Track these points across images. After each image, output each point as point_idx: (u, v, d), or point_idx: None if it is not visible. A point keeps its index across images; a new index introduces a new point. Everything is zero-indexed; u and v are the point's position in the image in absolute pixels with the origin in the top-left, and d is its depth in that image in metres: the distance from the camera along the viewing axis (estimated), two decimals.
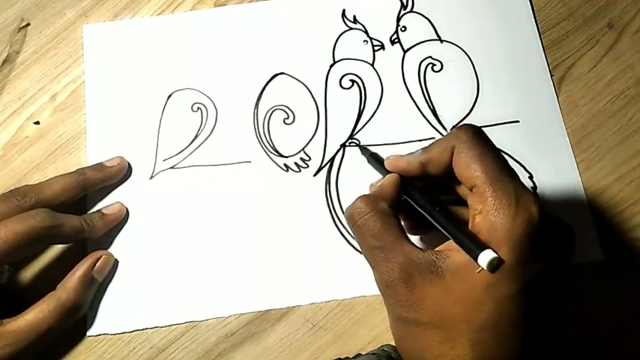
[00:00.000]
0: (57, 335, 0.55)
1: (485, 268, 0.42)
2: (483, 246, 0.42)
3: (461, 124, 0.48)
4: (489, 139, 0.48)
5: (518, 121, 0.64)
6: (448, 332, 0.43)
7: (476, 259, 0.42)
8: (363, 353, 0.56)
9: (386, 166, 0.53)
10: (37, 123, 0.66)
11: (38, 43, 0.69)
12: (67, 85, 0.67)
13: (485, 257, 0.42)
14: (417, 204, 0.50)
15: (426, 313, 0.44)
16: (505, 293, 0.42)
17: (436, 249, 0.47)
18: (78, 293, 0.56)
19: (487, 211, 0.44)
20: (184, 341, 0.58)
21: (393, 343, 0.55)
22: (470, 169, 0.46)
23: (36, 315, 0.53)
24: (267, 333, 0.58)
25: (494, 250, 0.42)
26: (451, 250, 0.45)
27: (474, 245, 0.43)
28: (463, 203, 0.49)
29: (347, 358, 0.56)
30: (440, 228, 0.47)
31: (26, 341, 0.52)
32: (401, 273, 0.45)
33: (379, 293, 0.58)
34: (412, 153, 0.51)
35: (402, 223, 0.49)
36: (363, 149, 0.61)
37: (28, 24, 0.69)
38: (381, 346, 0.56)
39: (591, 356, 0.58)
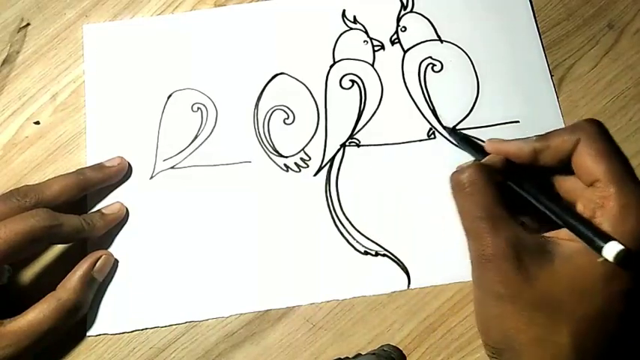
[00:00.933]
0: (57, 335, 0.55)
1: (611, 260, 0.42)
2: (608, 237, 0.42)
3: (585, 117, 0.49)
4: (613, 138, 0.48)
5: (518, 121, 0.64)
6: (550, 317, 0.43)
7: (599, 250, 0.42)
8: (363, 353, 0.56)
9: (487, 148, 0.53)
10: (37, 123, 0.66)
11: (38, 43, 0.69)
12: (67, 85, 0.67)
13: (612, 249, 0.41)
14: (526, 190, 0.49)
15: (529, 293, 0.44)
16: (619, 289, 0.43)
17: (543, 235, 0.47)
18: (78, 293, 0.56)
19: (611, 207, 0.44)
20: (184, 341, 0.58)
21: (393, 343, 0.56)
22: (596, 162, 0.46)
23: (36, 315, 0.53)
24: (267, 333, 0.58)
25: (621, 243, 0.42)
26: (561, 239, 0.45)
27: (597, 236, 0.43)
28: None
29: (347, 358, 0.56)
30: (553, 216, 0.47)
31: (27, 341, 0.52)
32: (508, 249, 0.45)
33: (379, 293, 0.58)
34: (523, 139, 0.51)
35: None
36: (453, 131, 0.61)
37: (28, 24, 0.69)
38: (381, 346, 0.57)
39: None
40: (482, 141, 0.59)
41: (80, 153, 0.64)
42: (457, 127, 0.64)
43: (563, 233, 0.46)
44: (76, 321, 0.57)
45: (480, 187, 0.47)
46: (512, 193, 0.50)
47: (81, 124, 0.65)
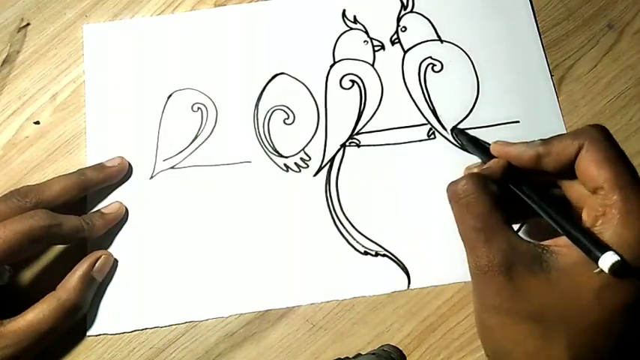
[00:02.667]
0: (57, 335, 0.55)
1: (606, 270, 0.40)
2: (606, 247, 0.41)
3: (591, 123, 0.49)
4: (618, 144, 0.47)
5: (518, 122, 0.64)
6: (546, 329, 0.43)
7: (596, 260, 0.41)
8: (363, 353, 0.56)
9: (492, 151, 0.52)
10: (37, 123, 0.66)
11: (38, 43, 0.69)
12: (67, 85, 0.67)
13: (608, 260, 0.40)
14: (527, 195, 0.49)
15: (524, 305, 0.43)
16: (617, 302, 0.41)
17: (541, 243, 0.46)
18: (78, 293, 0.56)
19: (613, 215, 0.43)
20: (184, 341, 0.58)
21: (393, 343, 0.58)
22: (599, 169, 0.44)
23: (36, 315, 0.53)
24: (267, 333, 0.58)
25: (618, 254, 0.40)
26: (558, 247, 0.44)
27: (595, 246, 0.41)
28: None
29: (347, 358, 0.56)
30: (553, 223, 0.46)
31: (27, 342, 0.52)
32: (502, 259, 0.44)
33: (379, 293, 0.58)
34: (527, 142, 0.50)
35: None
36: (460, 132, 0.62)
37: (28, 24, 0.70)
38: (381, 346, 0.57)
39: None
40: (488, 143, 0.58)
41: (80, 153, 0.65)
42: (457, 127, 0.64)
43: (562, 241, 0.44)
44: (76, 321, 0.57)
45: (475, 198, 0.46)
46: (515, 197, 0.50)
47: (81, 124, 0.65)
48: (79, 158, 0.64)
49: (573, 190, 0.48)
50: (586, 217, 0.45)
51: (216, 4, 0.70)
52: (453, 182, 0.48)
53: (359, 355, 0.56)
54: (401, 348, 0.57)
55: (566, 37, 0.68)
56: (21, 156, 0.65)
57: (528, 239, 0.45)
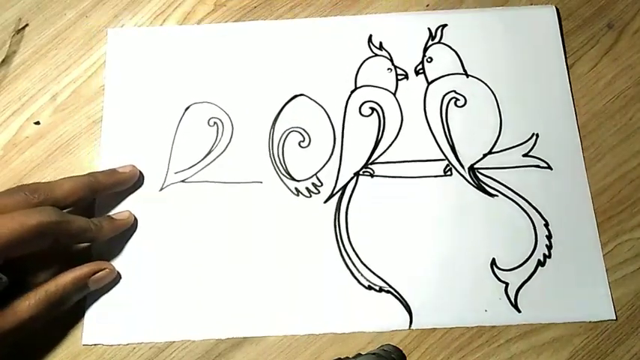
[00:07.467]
0: (37, 325, 0.66)
1: None
2: None
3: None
4: None
5: (538, 166, 0.76)
6: None
7: None
8: (363, 353, 0.66)
9: None
10: (37, 123, 0.81)
11: (38, 43, 0.85)
12: (67, 85, 0.83)
13: None
14: None
15: None
16: None
17: None
18: (67, 291, 0.68)
19: None
20: (184, 341, 0.70)
21: (393, 343, 0.69)
22: None
23: (22, 301, 0.65)
24: None
25: None
26: None
27: None
28: None
29: (347, 358, 0.66)
30: None
31: (7, 325, 0.63)
32: None
33: (379, 331, 0.71)
34: None
35: None
36: None
37: (27, 24, 0.86)
38: (381, 346, 0.68)
39: None
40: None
41: (80, 153, 0.79)
42: (475, 166, 0.76)
43: None
44: (70, 324, 0.70)
45: None
46: None
47: (81, 125, 0.80)
48: (79, 158, 0.79)
49: None
50: None
51: (216, 4, 0.86)
52: None
53: (359, 355, 0.66)
54: (401, 348, 0.69)
55: (566, 37, 0.83)
56: (21, 156, 0.79)
57: None
